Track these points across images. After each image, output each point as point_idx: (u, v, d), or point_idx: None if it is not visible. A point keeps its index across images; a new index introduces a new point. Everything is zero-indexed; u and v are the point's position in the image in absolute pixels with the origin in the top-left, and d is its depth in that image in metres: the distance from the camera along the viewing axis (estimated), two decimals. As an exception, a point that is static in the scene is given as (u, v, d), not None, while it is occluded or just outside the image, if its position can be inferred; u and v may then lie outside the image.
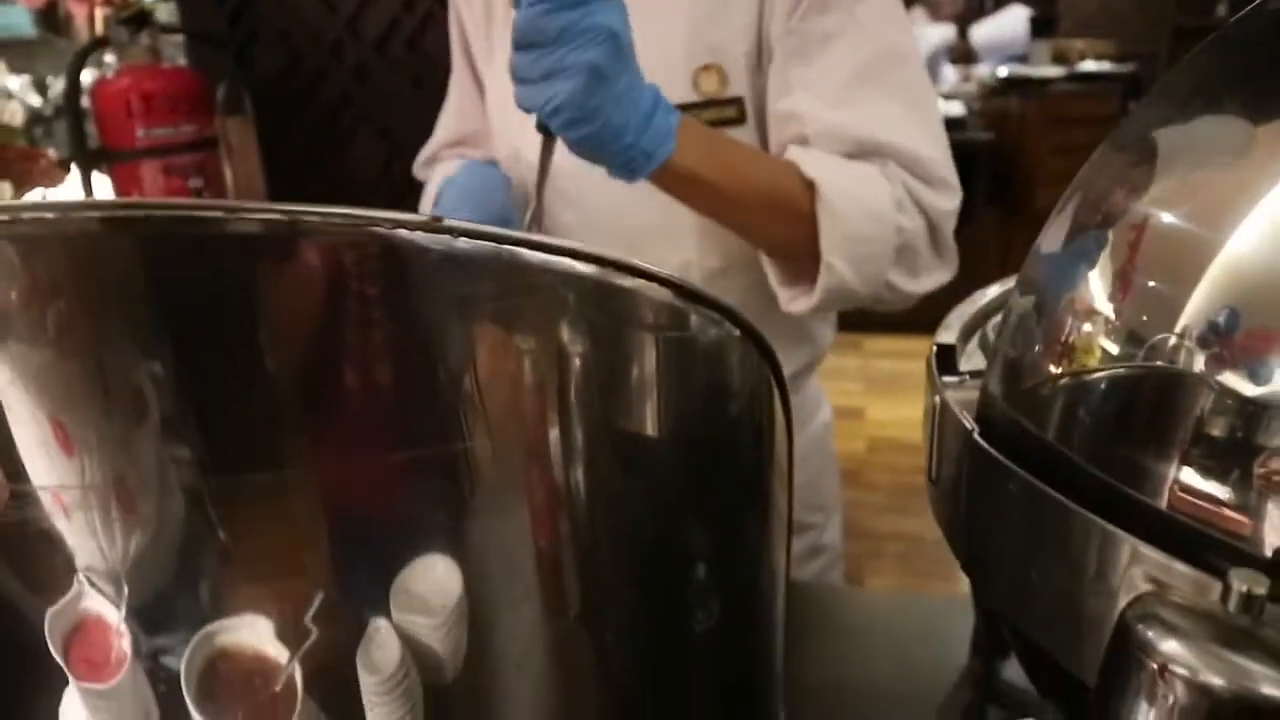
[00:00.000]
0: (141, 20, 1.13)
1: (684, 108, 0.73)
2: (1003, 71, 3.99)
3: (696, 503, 0.37)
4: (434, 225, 0.29)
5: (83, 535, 0.32)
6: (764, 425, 0.39)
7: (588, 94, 0.58)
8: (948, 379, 0.41)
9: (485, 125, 0.93)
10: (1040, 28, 4.26)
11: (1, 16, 3.48)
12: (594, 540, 0.35)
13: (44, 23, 2.67)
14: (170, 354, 0.30)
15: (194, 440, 0.30)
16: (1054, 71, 3.77)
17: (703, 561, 0.38)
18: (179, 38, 1.31)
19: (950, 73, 4.43)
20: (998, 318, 0.48)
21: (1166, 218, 0.34)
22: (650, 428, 0.35)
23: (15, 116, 1.20)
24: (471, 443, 0.31)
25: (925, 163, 0.72)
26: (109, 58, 1.25)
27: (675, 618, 0.37)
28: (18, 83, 2.95)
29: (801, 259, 0.73)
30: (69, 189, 1.24)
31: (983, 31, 4.44)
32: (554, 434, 0.32)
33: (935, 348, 0.43)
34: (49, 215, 0.29)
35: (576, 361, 0.33)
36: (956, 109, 3.71)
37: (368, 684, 0.32)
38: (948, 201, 0.74)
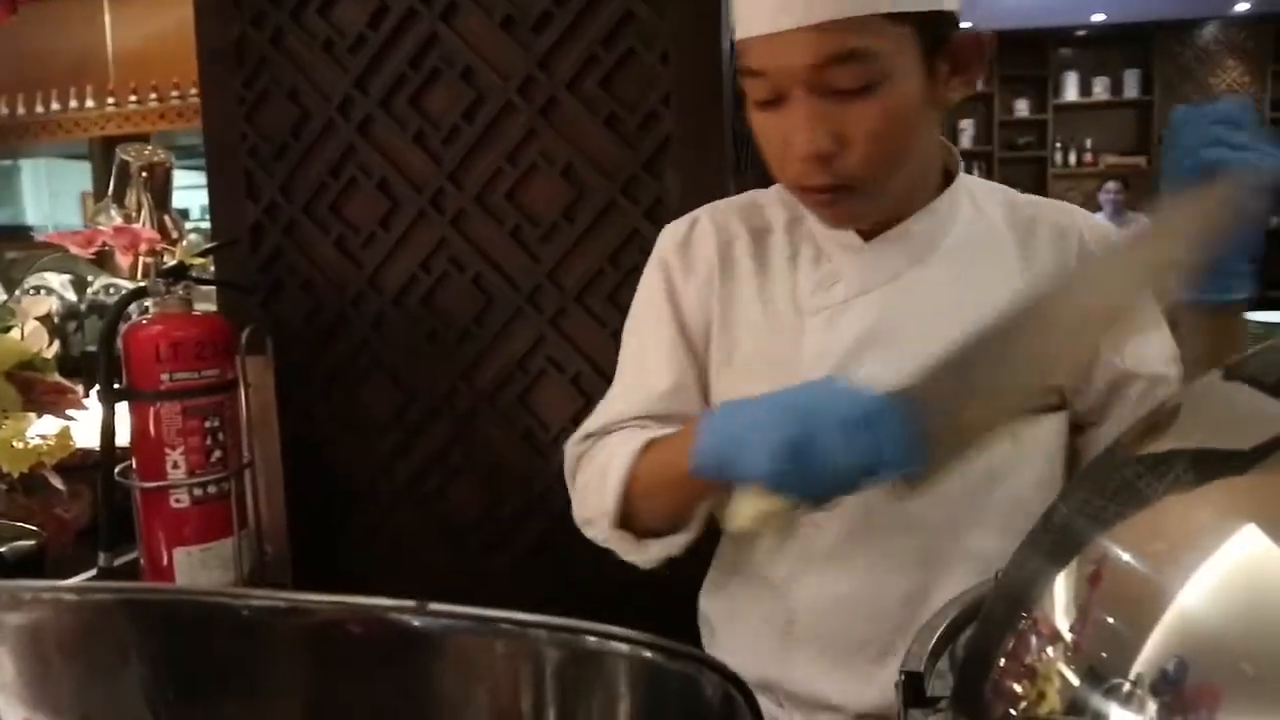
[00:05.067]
0: (179, 273, 1.21)
1: None
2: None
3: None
4: (420, 609, 0.32)
5: None
6: None
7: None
8: (915, 713, 0.43)
9: (696, 406, 0.87)
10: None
11: (55, 218, 3.72)
12: None
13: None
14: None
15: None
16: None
17: None
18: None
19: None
20: (969, 632, 0.50)
21: (1125, 559, 0.37)
22: None
23: (49, 349, 1.26)
24: None
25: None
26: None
27: None
28: (58, 280, 3.13)
29: None
30: (91, 422, 1.29)
31: None
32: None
33: (903, 676, 0.45)
34: (70, 596, 0.32)
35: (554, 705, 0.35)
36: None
37: None
38: None
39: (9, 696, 0.32)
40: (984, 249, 0.83)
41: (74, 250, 1.43)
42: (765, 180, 0.89)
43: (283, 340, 1.31)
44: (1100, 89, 7.69)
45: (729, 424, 0.68)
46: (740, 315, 0.86)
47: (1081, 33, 7.58)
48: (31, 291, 1.96)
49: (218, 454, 1.20)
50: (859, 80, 0.70)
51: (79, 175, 3.75)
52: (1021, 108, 7.80)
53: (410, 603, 0.33)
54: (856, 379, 0.68)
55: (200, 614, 0.33)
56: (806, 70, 0.70)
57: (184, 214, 2.91)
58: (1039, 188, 7.77)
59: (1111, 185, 5.86)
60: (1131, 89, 7.64)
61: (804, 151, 0.72)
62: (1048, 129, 7.76)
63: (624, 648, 0.37)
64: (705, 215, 0.90)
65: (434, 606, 0.33)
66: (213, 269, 1.39)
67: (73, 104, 3.46)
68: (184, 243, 1.62)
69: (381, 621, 0.34)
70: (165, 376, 1.17)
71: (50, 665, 0.34)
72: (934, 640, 0.48)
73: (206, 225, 3.02)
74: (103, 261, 1.56)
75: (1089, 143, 7.72)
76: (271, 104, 1.34)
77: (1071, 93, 7.73)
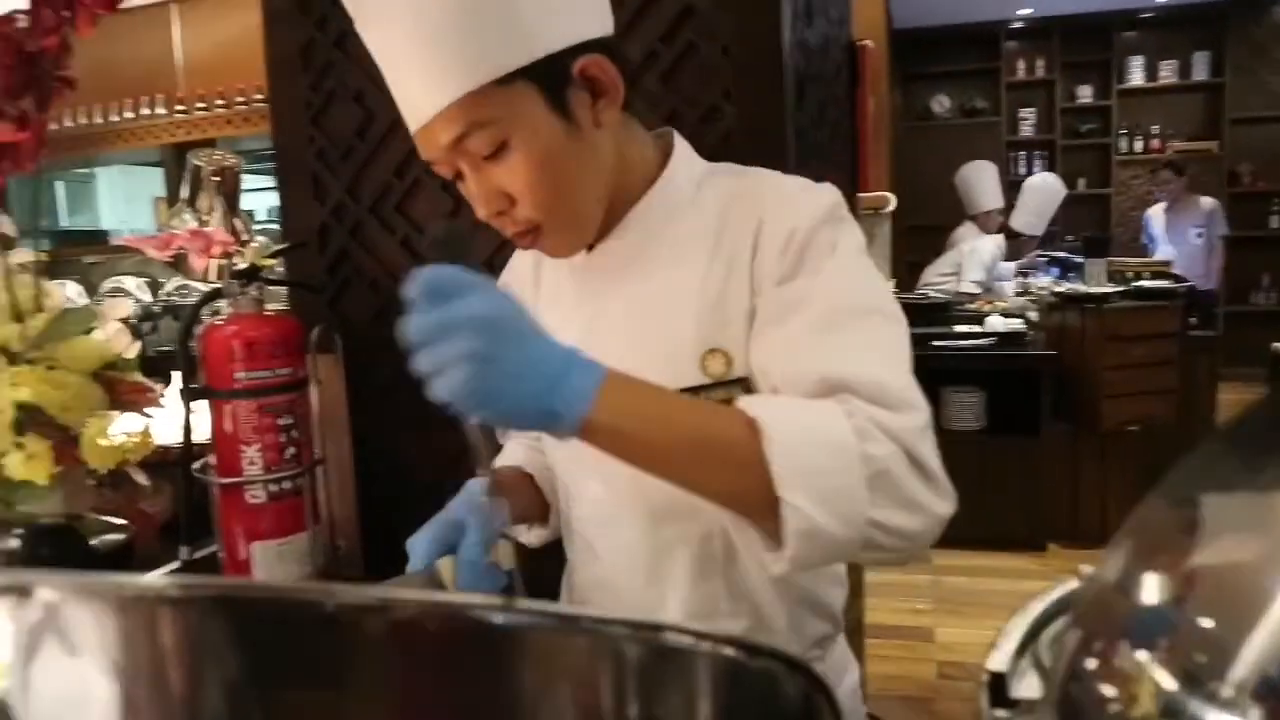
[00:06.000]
0: (252, 275, 1.24)
1: (693, 389, 0.81)
2: (1060, 287, 4.06)
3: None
4: (506, 606, 0.33)
5: None
6: None
7: (478, 379, 0.63)
8: (1000, 713, 0.42)
9: None
10: (1095, 247, 4.36)
11: (129, 222, 3.84)
12: None
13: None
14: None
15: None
16: (1110, 288, 3.83)
17: None
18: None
19: (1009, 272, 4.54)
20: (1054, 628, 0.49)
21: (1220, 567, 0.36)
22: None
23: (130, 350, 1.30)
24: None
25: (885, 387, 0.71)
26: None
27: None
28: (134, 283, 3.28)
29: (766, 514, 0.69)
30: (170, 420, 1.34)
31: (1020, 214, 4.54)
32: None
33: (987, 676, 0.44)
34: (170, 590, 0.33)
35: (630, 704, 0.35)
36: (1017, 324, 3.76)
37: None
38: (913, 419, 0.71)
39: (105, 685, 0.34)
40: (688, 242, 0.86)
41: (151, 254, 1.47)
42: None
43: (350, 339, 1.33)
44: (1167, 72, 7.45)
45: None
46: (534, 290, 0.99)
47: (1147, 15, 7.36)
48: (110, 294, 2.03)
49: (291, 450, 1.23)
50: (491, 145, 0.77)
51: (151, 181, 3.87)
52: (1084, 94, 7.60)
53: (497, 599, 0.34)
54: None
55: (289, 609, 0.34)
56: (450, 150, 0.77)
57: (250, 216, 2.98)
58: (1103, 176, 7.58)
59: (1165, 174, 5.67)
60: (1200, 71, 7.39)
61: (486, 213, 0.82)
62: (1111, 115, 7.55)
63: (705, 645, 0.37)
64: None
65: (520, 604, 0.33)
66: (281, 270, 1.42)
67: (144, 112, 3.56)
68: (253, 244, 1.66)
69: (467, 618, 0.34)
70: (241, 375, 1.20)
71: (144, 658, 0.35)
72: (1020, 638, 0.47)
73: (272, 227, 3.09)
74: (177, 264, 1.61)
75: (1155, 128, 7.49)
76: (338, 107, 1.37)
77: (1137, 77, 7.51)
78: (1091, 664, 0.38)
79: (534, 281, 0.99)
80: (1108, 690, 0.37)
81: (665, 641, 0.36)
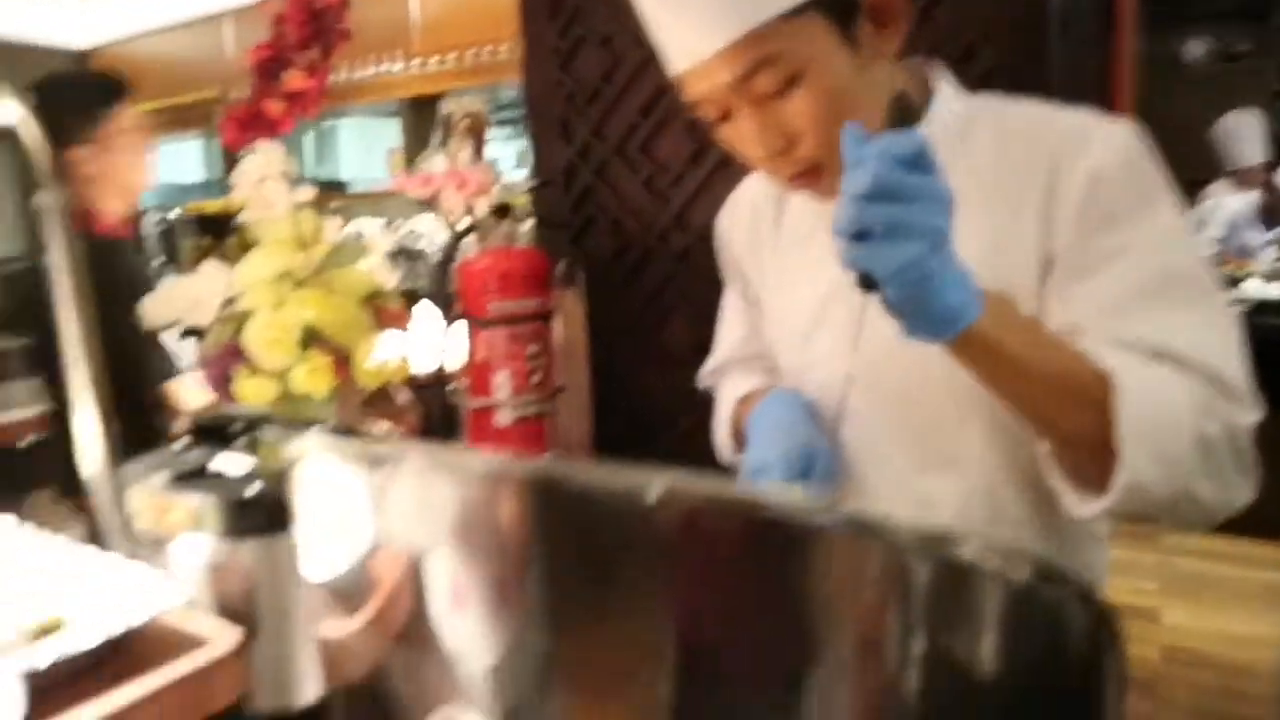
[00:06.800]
0: (504, 211, 1.32)
1: None
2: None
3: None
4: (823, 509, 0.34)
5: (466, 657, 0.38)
6: (1098, 689, 0.37)
7: (932, 256, 0.59)
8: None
9: (765, 346, 1.01)
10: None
11: (364, 171, 4.15)
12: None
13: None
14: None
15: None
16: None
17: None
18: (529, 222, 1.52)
19: (1257, 238, 4.11)
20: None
21: None
22: (986, 680, 0.36)
23: (391, 280, 1.42)
24: (814, 670, 0.35)
25: (1223, 376, 0.69)
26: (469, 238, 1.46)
27: None
28: (372, 225, 3.57)
29: (1088, 456, 0.69)
30: (417, 348, 1.45)
31: None
32: (885, 697, 0.35)
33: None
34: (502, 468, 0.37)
35: (915, 623, 0.35)
36: (1276, 292, 3.41)
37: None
38: (1248, 416, 0.70)
39: (446, 545, 0.37)
40: (958, 179, 0.76)
41: (412, 193, 1.58)
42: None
43: (592, 275, 1.39)
44: None
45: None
46: (766, 266, 0.98)
47: None
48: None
49: (537, 378, 1.30)
50: (780, 82, 0.74)
51: (387, 132, 4.14)
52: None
53: (799, 501, 0.34)
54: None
55: (600, 499, 0.36)
56: (731, 89, 0.75)
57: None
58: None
59: None
60: None
61: (760, 154, 0.79)
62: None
63: (995, 561, 0.36)
64: (749, 181, 1.01)
65: (822, 505, 0.34)
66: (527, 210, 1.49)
67: (383, 67, 3.82)
68: (497, 187, 1.76)
69: (765, 518, 0.35)
70: (494, 304, 1.29)
71: (475, 529, 0.38)
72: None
73: (509, 177, 3.24)
74: (431, 203, 1.73)
75: None
76: (586, 51, 1.42)
77: None
78: None
79: (774, 220, 0.97)
80: None
81: (951, 556, 0.35)
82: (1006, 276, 0.77)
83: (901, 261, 0.59)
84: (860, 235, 0.60)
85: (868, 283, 0.61)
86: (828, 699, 0.36)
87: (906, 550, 0.38)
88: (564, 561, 0.38)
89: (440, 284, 1.36)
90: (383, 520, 0.41)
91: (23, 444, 1.14)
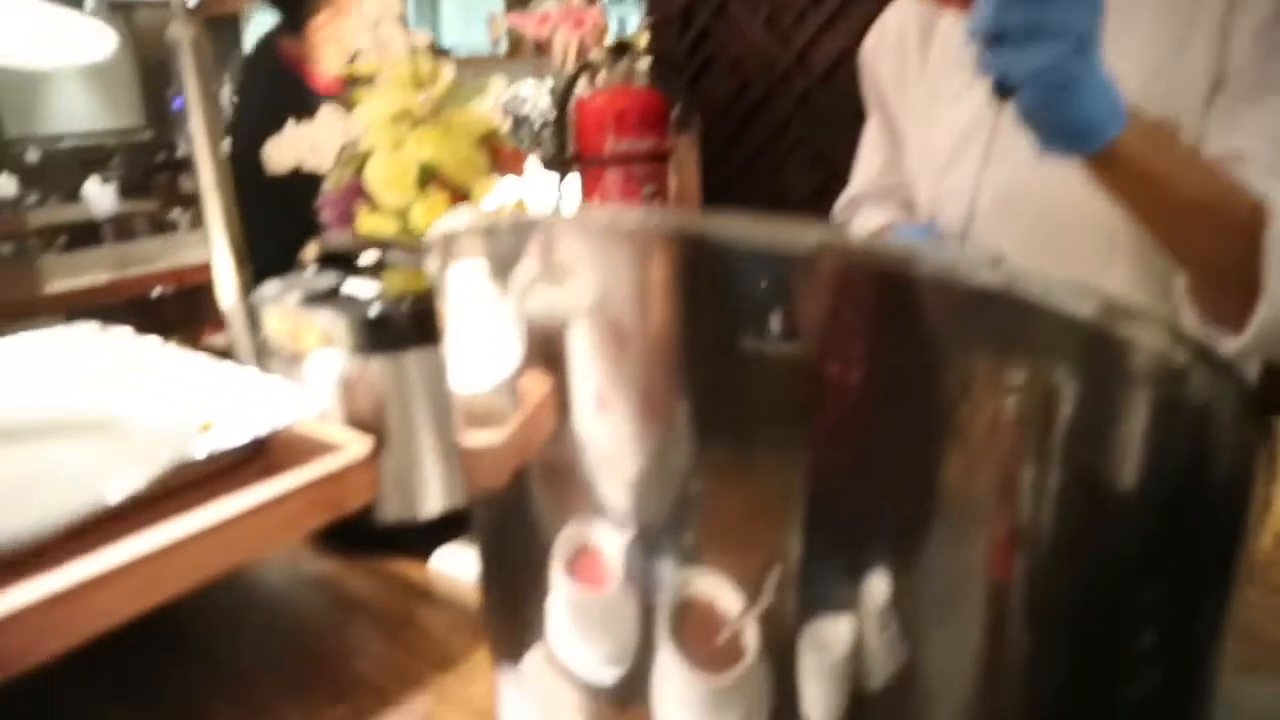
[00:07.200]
0: (622, 49, 1.30)
1: None
2: None
3: (1157, 564, 0.35)
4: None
5: (604, 476, 0.38)
6: (1242, 496, 0.35)
7: (1074, 59, 0.55)
8: None
9: (903, 177, 0.98)
10: None
11: (465, 37, 4.13)
12: (1045, 584, 0.34)
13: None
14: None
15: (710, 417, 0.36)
16: None
17: (1153, 626, 0.36)
18: (645, 62, 1.49)
19: None
20: None
21: None
22: (1127, 480, 0.33)
23: (505, 125, 1.42)
24: (947, 466, 0.33)
25: None
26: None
27: (1112, 678, 0.36)
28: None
29: (1230, 288, 0.65)
30: (544, 185, 1.46)
31: None
32: (1026, 471, 0.33)
33: None
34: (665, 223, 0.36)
35: (1061, 402, 0.32)
36: None
37: (810, 663, 0.35)
38: None
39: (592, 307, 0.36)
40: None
41: (528, 33, 1.57)
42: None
43: (709, 118, 1.37)
44: None
45: None
46: (910, 95, 0.95)
47: None
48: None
49: (651, 220, 1.30)
50: None
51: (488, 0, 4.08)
52: None
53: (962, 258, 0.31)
54: None
55: (748, 254, 0.34)
56: None
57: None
58: None
59: None
60: None
61: None
62: None
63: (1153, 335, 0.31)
64: (897, 4, 0.97)
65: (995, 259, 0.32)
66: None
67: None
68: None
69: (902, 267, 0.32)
70: (610, 143, 1.28)
71: (624, 299, 0.37)
72: None
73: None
74: (542, 48, 1.71)
75: None
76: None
77: None
78: None
79: (921, 48, 0.93)
80: None
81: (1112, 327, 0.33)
82: (1167, 95, 0.72)
83: (1040, 64, 0.54)
84: (998, 37, 0.55)
85: (1003, 89, 0.56)
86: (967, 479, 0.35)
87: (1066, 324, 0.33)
88: (710, 332, 0.37)
89: (560, 123, 1.35)
90: (529, 304, 0.40)
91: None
